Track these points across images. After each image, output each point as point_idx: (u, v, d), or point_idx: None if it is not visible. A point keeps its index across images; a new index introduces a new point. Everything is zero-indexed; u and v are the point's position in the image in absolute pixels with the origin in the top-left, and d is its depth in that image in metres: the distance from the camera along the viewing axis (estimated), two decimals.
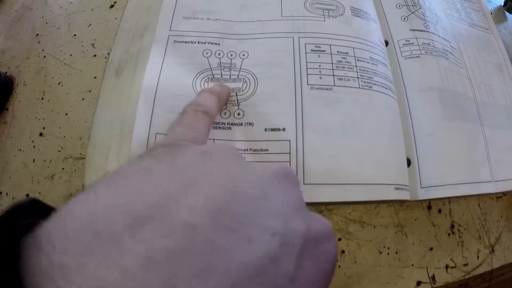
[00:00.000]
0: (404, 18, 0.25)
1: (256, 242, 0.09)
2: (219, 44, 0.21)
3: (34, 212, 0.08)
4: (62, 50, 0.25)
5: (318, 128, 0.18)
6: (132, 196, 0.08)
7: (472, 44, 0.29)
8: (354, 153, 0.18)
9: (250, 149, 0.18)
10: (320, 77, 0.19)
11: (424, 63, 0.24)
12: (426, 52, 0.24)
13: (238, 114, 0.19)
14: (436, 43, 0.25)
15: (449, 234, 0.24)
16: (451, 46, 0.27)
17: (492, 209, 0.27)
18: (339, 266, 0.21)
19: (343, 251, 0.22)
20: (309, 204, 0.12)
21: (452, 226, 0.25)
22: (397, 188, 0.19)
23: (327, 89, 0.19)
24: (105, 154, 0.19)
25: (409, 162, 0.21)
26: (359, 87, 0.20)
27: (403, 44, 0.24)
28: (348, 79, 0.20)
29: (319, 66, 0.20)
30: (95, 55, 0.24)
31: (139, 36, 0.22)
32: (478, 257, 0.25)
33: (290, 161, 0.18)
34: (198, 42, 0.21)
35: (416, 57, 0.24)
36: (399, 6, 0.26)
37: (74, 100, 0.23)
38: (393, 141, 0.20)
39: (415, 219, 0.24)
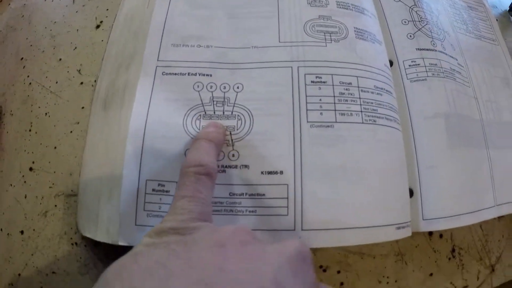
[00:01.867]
0: (411, 36, 0.22)
1: None
2: (211, 75, 0.18)
3: None
4: (47, 77, 0.22)
5: (318, 171, 0.16)
6: None
7: (479, 58, 0.26)
8: (355, 197, 0.16)
9: (246, 194, 0.16)
10: (321, 113, 0.17)
11: (430, 87, 0.21)
12: (433, 74, 0.21)
13: (233, 155, 0.16)
14: (443, 63, 0.22)
15: (449, 259, 0.22)
16: (458, 64, 0.23)
17: (494, 229, 0.24)
18: None
19: (342, 283, 0.20)
20: None
21: (453, 250, 0.23)
22: (399, 228, 0.17)
23: (328, 126, 0.16)
24: (97, 197, 0.17)
25: (411, 193, 0.19)
26: (363, 122, 0.17)
27: (409, 66, 0.21)
28: (351, 114, 0.17)
29: (320, 100, 0.17)
30: (81, 83, 0.21)
31: (125, 65, 0.19)
32: (478, 278, 0.23)
33: (288, 206, 0.16)
34: (189, 74, 0.18)
35: (423, 80, 0.21)
36: (405, 22, 0.22)
37: (62, 132, 0.21)
38: (396, 178, 0.17)
39: (416, 246, 0.22)
